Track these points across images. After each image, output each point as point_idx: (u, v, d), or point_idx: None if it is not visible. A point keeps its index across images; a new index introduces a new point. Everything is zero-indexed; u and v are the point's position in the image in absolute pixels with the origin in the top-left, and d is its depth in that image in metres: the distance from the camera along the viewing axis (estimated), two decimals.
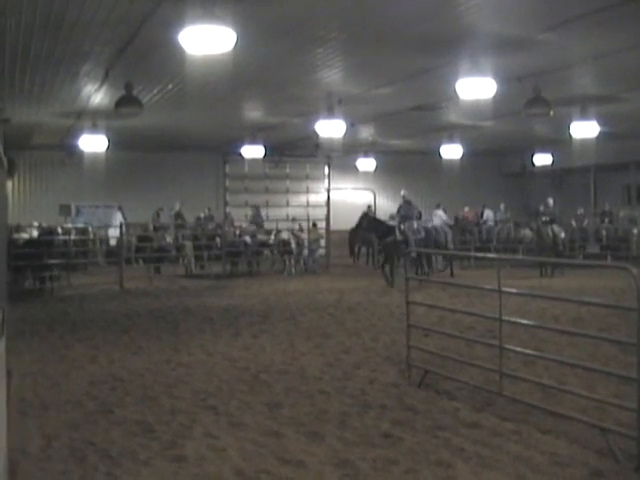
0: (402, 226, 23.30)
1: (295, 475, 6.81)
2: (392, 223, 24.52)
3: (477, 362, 10.30)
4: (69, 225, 29.22)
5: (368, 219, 25.56)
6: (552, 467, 6.87)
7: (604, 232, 32.00)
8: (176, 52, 13.57)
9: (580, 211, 32.78)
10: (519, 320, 10.03)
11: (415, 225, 23.73)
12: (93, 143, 24.46)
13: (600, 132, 23.41)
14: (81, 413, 8.89)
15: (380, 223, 24.83)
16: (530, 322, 10.83)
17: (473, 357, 10.89)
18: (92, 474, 6.90)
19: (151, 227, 28.55)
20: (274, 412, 8.83)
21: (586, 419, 7.82)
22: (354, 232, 27.27)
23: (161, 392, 9.87)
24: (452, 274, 25.32)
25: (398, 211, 24.49)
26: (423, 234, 23.58)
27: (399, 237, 22.98)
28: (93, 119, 23.08)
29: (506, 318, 8.91)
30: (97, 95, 19.64)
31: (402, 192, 25.14)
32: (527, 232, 28.73)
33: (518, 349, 9.59)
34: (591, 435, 7.46)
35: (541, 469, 6.82)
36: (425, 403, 9.11)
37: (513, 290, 10.01)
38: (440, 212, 29.41)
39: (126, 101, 17.66)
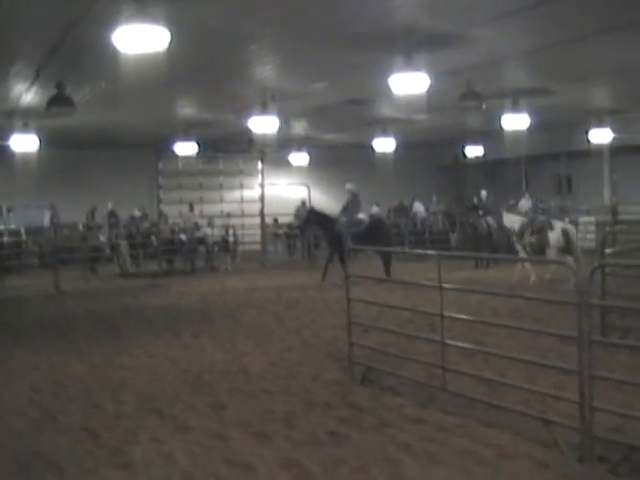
0: (342, 219, 22.77)
1: (245, 478, 6.82)
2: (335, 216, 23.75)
3: (419, 357, 10.35)
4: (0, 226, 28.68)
5: (314, 213, 24.44)
6: (498, 460, 6.99)
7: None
8: (109, 51, 13.35)
9: (512, 202, 33.10)
10: (460, 316, 10.07)
11: (360, 217, 23.18)
12: (24, 143, 23.95)
13: (531, 123, 23.70)
14: (25, 422, 8.77)
15: (325, 217, 23.89)
16: (471, 317, 10.97)
17: (415, 352, 10.93)
18: None
19: (80, 227, 28.29)
20: (219, 414, 8.83)
21: (529, 411, 7.96)
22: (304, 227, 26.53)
23: (104, 397, 9.78)
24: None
25: (345, 207, 23.39)
26: (364, 227, 22.60)
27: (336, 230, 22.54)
28: (24, 119, 22.67)
29: (447, 314, 8.99)
30: (28, 94, 19.32)
31: (347, 186, 23.66)
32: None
33: (459, 344, 9.68)
34: (535, 427, 7.57)
35: (487, 463, 6.93)
36: (369, 400, 9.18)
37: (453, 286, 10.10)
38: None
39: (58, 100, 17.44)
